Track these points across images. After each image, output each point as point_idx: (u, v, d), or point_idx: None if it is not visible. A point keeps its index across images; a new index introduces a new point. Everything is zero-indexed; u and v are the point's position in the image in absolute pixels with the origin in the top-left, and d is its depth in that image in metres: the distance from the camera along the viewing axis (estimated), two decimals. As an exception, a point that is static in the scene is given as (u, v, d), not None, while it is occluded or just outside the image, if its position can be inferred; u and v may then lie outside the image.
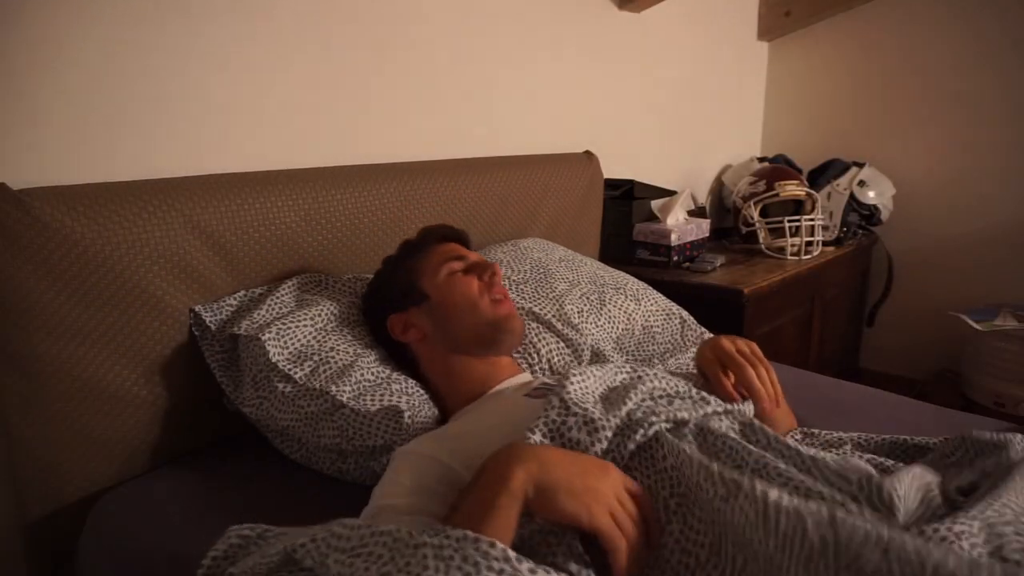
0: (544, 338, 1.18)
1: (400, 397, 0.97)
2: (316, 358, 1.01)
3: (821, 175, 2.38)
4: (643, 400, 0.79)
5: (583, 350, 1.20)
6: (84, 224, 0.95)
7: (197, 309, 1.07)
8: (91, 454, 1.01)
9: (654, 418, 0.75)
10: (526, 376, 1.06)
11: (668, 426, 0.76)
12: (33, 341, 0.94)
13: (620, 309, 1.33)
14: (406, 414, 0.94)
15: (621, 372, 0.87)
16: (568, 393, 0.75)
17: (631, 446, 0.73)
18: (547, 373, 1.16)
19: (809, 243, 2.05)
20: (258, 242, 1.15)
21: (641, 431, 0.74)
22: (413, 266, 1.07)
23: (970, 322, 2.13)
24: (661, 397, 0.81)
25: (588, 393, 0.79)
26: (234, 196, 1.12)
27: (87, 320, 0.98)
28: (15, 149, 0.98)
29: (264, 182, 1.17)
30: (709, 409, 0.81)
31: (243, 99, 1.23)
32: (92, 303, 0.98)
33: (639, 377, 0.86)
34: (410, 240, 1.13)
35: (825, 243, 2.18)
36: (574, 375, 0.80)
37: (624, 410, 0.76)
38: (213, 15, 1.16)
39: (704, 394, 0.84)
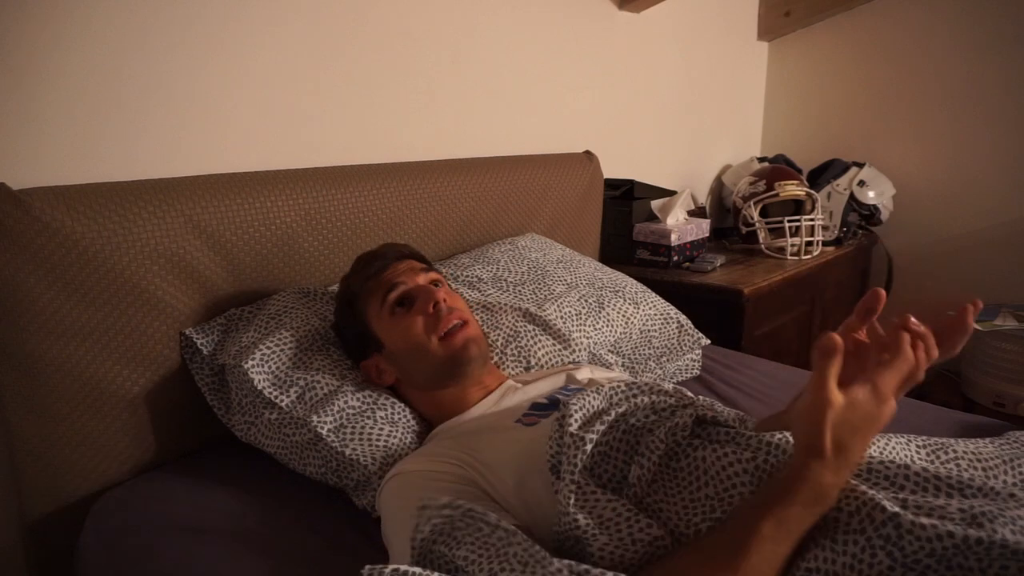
0: (540, 340, 1.18)
1: (383, 427, 0.96)
2: (302, 382, 0.99)
3: (821, 175, 2.38)
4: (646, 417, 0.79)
5: (579, 353, 1.20)
6: (84, 224, 0.96)
7: (188, 333, 1.06)
8: (91, 454, 1.01)
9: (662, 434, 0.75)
10: (509, 383, 1.04)
11: (684, 434, 0.76)
12: (33, 341, 0.94)
13: (619, 312, 1.32)
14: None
15: (616, 393, 0.87)
16: (569, 425, 0.76)
17: (648, 464, 0.74)
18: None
19: (809, 243, 2.05)
20: (258, 242, 1.15)
21: (655, 443, 0.75)
22: (360, 312, 1.03)
23: (970, 322, 2.12)
24: (664, 409, 0.81)
25: (587, 417, 0.79)
26: (234, 196, 1.12)
27: (87, 320, 0.98)
28: (15, 149, 0.98)
29: (264, 182, 1.17)
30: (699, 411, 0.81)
31: (244, 99, 1.23)
32: (92, 303, 0.98)
33: (634, 395, 0.87)
34: (347, 277, 1.07)
35: (825, 243, 2.18)
36: (572, 404, 0.78)
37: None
38: (214, 16, 1.16)
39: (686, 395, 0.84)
